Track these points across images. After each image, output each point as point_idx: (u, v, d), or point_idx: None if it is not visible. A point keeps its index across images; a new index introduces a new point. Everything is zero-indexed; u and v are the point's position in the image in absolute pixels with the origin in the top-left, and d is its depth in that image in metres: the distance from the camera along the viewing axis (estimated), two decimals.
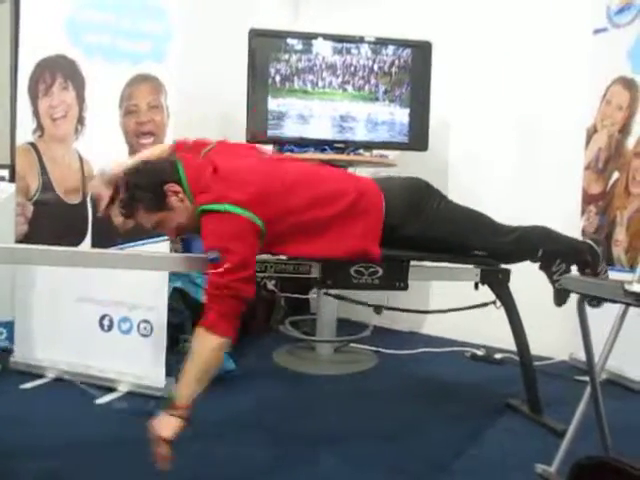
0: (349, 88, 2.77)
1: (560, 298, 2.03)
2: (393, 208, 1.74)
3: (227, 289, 1.45)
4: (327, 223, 1.66)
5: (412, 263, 1.89)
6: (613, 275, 2.44)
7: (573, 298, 1.79)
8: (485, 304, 2.06)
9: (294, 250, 1.67)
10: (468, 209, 1.91)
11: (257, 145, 2.02)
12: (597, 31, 2.66)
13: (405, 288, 1.84)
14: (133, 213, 1.62)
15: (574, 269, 2.06)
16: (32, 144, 2.33)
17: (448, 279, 2.12)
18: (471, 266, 1.97)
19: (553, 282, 2.01)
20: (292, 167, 1.76)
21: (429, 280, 3.05)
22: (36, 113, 2.32)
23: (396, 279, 1.82)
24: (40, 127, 2.32)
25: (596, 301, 1.85)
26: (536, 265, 2.03)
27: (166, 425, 1.40)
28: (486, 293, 2.03)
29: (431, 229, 1.79)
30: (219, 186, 1.56)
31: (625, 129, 2.55)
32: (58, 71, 2.28)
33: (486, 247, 1.87)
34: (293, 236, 1.64)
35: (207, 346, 1.44)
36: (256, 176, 1.63)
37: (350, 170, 2.79)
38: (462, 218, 1.88)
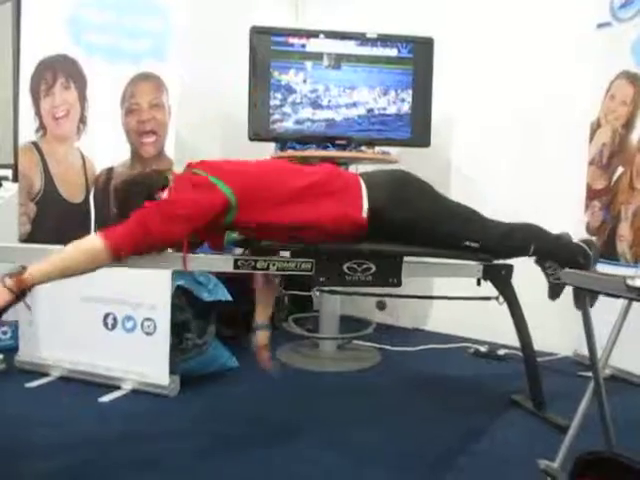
0: (351, 85, 2.77)
1: (554, 292, 2.03)
2: (376, 195, 1.71)
3: (144, 214, 1.50)
4: (304, 193, 1.66)
5: (414, 259, 1.89)
6: (617, 270, 2.43)
7: (567, 292, 1.80)
8: (488, 298, 2.06)
9: (273, 216, 1.64)
10: (455, 201, 1.89)
11: None
12: (601, 25, 2.64)
13: (398, 284, 1.82)
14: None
15: None
16: (34, 144, 2.33)
17: (450, 275, 2.12)
18: (473, 262, 1.96)
19: (547, 276, 2.01)
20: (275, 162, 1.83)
21: (431, 276, 3.05)
22: (38, 113, 2.32)
23: (389, 275, 1.81)
24: (42, 127, 2.33)
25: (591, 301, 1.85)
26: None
27: None
28: (489, 289, 2.03)
29: (419, 218, 1.76)
30: (199, 164, 1.65)
31: (629, 124, 2.54)
32: (60, 70, 2.29)
33: (476, 238, 1.83)
34: (272, 205, 1.63)
35: (88, 241, 1.45)
36: (234, 164, 1.71)
37: (352, 167, 2.79)
38: (450, 209, 1.86)
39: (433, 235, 1.81)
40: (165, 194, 1.63)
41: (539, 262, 2.01)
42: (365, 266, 1.77)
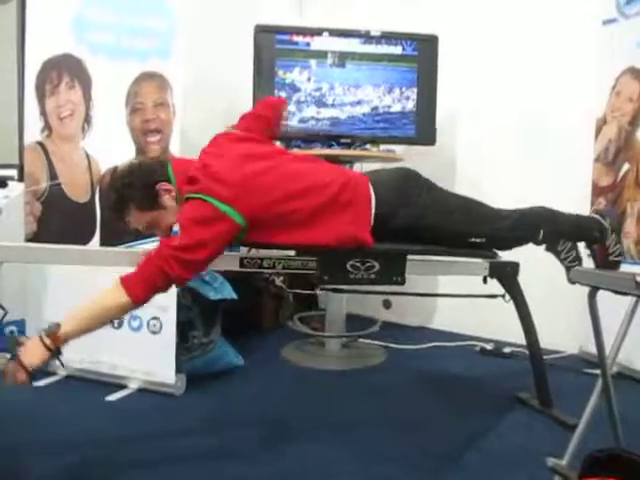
0: (356, 83, 2.76)
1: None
2: (383, 198, 1.71)
3: (162, 260, 1.47)
4: (312, 214, 1.64)
5: (419, 258, 1.88)
6: (624, 267, 2.42)
7: (582, 292, 1.80)
8: (494, 295, 2.05)
9: (280, 238, 1.64)
10: (460, 196, 1.88)
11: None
12: (606, 22, 2.63)
13: (402, 283, 1.81)
14: (124, 214, 1.63)
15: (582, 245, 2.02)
16: (40, 143, 2.34)
17: (457, 273, 2.11)
18: (480, 260, 1.95)
19: (562, 260, 1.96)
20: (281, 162, 1.73)
21: (437, 274, 3.04)
22: (43, 112, 2.32)
23: (393, 273, 1.80)
24: (48, 126, 2.33)
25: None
26: (545, 258, 2.02)
27: (34, 352, 1.39)
28: (495, 287, 2.02)
29: (424, 217, 1.75)
30: (206, 180, 1.57)
31: (635, 120, 2.53)
32: (64, 70, 2.29)
33: (482, 233, 1.82)
34: (278, 227, 1.63)
35: (113, 298, 1.46)
36: (240, 173, 1.61)
37: (357, 165, 2.79)
38: (454, 204, 1.84)
39: (438, 233, 1.80)
40: (171, 189, 1.60)
41: (550, 248, 1.97)
42: (369, 264, 1.76)
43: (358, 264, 1.76)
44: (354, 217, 1.69)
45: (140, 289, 1.47)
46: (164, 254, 1.48)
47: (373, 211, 1.70)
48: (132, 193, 1.60)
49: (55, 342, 1.41)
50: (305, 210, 1.64)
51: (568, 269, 1.95)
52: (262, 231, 1.61)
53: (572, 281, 1.91)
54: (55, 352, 1.42)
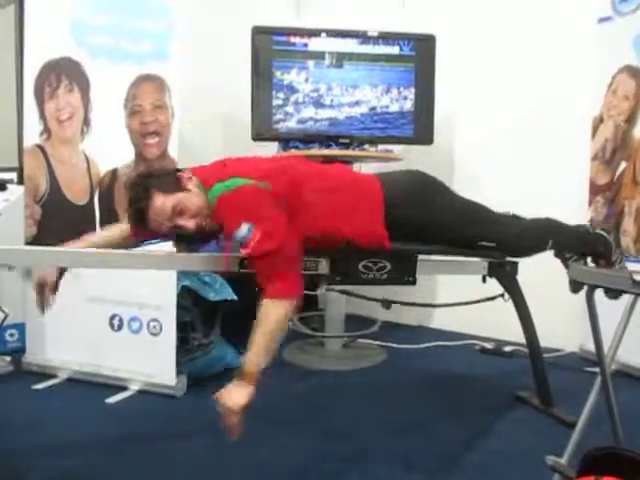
0: (354, 83, 2.77)
1: (575, 285, 1.98)
2: (395, 200, 1.73)
3: (273, 255, 1.45)
4: (333, 211, 1.66)
5: (420, 257, 1.89)
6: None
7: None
8: (493, 297, 2.06)
9: (312, 228, 1.62)
10: (471, 200, 1.89)
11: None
12: (602, 20, 2.63)
13: (413, 283, 1.83)
14: (147, 204, 1.55)
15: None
16: (39, 146, 2.35)
17: (456, 272, 2.12)
18: (479, 259, 1.96)
19: (568, 267, 1.96)
20: (298, 162, 1.79)
21: (436, 274, 3.05)
22: (42, 115, 2.33)
23: (405, 274, 1.81)
24: (47, 129, 2.34)
25: (613, 294, 1.83)
26: (544, 258, 2.02)
27: (237, 395, 1.40)
28: (494, 286, 2.03)
29: (436, 220, 1.78)
30: (230, 170, 1.59)
31: (631, 118, 2.53)
32: (63, 73, 2.30)
33: (492, 238, 1.85)
34: (307, 218, 1.61)
35: (272, 315, 1.44)
36: (267, 164, 1.67)
37: (356, 165, 2.79)
38: (466, 208, 1.86)
39: (448, 238, 1.82)
40: (192, 177, 1.60)
41: (559, 255, 1.99)
42: (381, 264, 1.77)
43: (370, 264, 1.76)
44: (366, 213, 1.70)
45: (285, 286, 1.46)
46: (266, 250, 1.45)
47: (384, 211, 1.71)
48: (154, 180, 1.58)
49: (252, 377, 1.42)
50: (326, 209, 1.65)
51: (572, 279, 1.95)
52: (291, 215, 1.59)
53: (575, 291, 1.94)
54: (255, 384, 1.43)
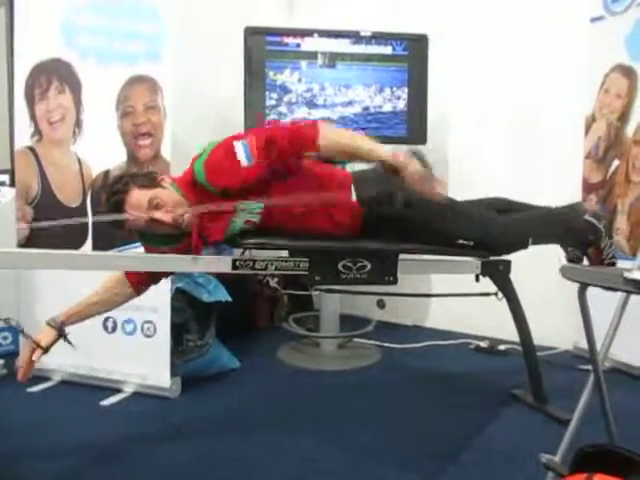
0: (347, 83, 2.77)
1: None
2: (365, 189, 1.73)
3: (278, 136, 1.55)
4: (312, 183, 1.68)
5: (411, 257, 1.89)
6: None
7: (573, 288, 1.81)
8: (487, 294, 2.06)
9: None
10: (449, 197, 1.83)
11: None
12: (594, 19, 2.64)
13: (394, 282, 1.80)
14: (124, 197, 1.57)
15: None
16: (31, 148, 2.34)
17: (448, 272, 2.11)
18: (472, 258, 1.96)
19: (567, 253, 1.96)
20: None
21: (429, 273, 3.05)
22: (33, 117, 2.32)
23: (385, 273, 1.79)
24: (38, 131, 2.33)
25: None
26: (539, 255, 2.01)
27: (411, 163, 1.55)
28: (488, 285, 2.03)
29: (409, 212, 1.73)
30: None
31: (624, 117, 2.54)
32: (54, 74, 2.29)
33: (471, 236, 1.80)
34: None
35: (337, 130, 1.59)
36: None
37: (349, 166, 2.79)
38: (443, 205, 1.77)
39: (424, 232, 1.78)
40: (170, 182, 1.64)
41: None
42: (360, 264, 1.76)
43: (350, 264, 1.75)
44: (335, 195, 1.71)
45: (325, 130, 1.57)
46: (272, 134, 1.56)
47: (355, 197, 1.72)
48: (133, 177, 1.63)
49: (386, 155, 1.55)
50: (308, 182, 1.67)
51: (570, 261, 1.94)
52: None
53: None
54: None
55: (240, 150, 1.54)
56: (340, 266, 1.74)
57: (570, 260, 1.94)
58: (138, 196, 1.57)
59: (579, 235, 1.94)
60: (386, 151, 1.56)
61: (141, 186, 1.59)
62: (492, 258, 1.97)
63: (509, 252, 1.94)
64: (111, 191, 1.61)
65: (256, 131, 1.63)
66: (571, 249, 1.94)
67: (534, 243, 1.89)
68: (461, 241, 1.80)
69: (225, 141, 1.60)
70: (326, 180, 1.72)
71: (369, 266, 1.76)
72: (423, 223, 1.76)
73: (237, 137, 1.59)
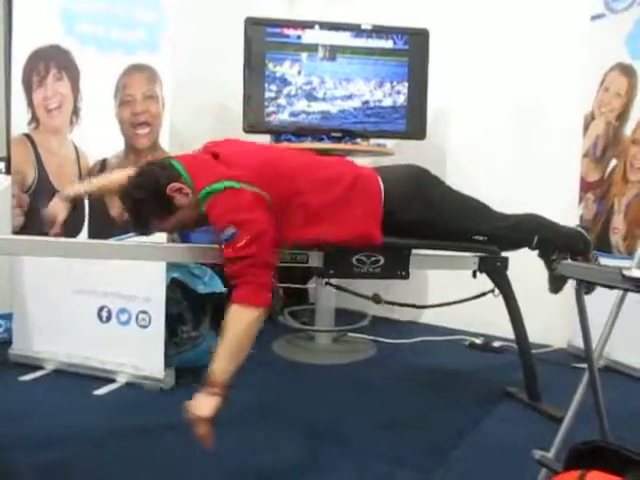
0: (347, 77, 2.76)
1: (556, 285, 2.04)
2: (392, 194, 1.74)
3: (249, 260, 1.43)
4: (328, 207, 1.65)
5: (416, 252, 1.89)
6: (611, 262, 2.45)
7: (568, 286, 1.82)
8: (484, 294, 2.07)
9: (300, 234, 1.63)
10: (466, 195, 1.92)
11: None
12: (595, 17, 2.64)
13: (406, 277, 1.84)
14: (149, 226, 1.61)
15: None
16: (27, 135, 2.32)
17: (446, 267, 2.12)
18: (469, 254, 1.97)
19: (551, 269, 2.02)
20: (291, 154, 1.76)
21: (427, 269, 3.05)
22: (31, 104, 2.30)
23: (398, 268, 1.82)
24: (35, 118, 2.31)
25: (587, 289, 1.86)
26: (534, 253, 2.04)
27: (204, 404, 1.38)
28: (484, 281, 2.03)
29: (431, 214, 1.80)
30: (221, 168, 1.55)
31: (623, 116, 2.55)
32: (52, 61, 2.27)
33: (485, 232, 1.88)
34: (297, 220, 1.61)
35: (240, 321, 1.43)
36: (257, 159, 1.62)
37: (348, 159, 2.78)
38: (462, 203, 1.89)
39: (444, 231, 1.84)
40: (181, 187, 1.55)
41: (542, 255, 2.03)
42: (374, 258, 1.78)
43: (364, 258, 1.77)
44: (365, 213, 1.70)
45: (257, 295, 1.44)
46: (245, 256, 1.44)
47: (382, 206, 1.71)
48: (148, 208, 1.57)
49: (217, 387, 1.40)
50: (322, 205, 1.64)
51: (553, 278, 2.03)
52: (279, 222, 1.57)
53: (555, 290, 2.02)
54: (223, 393, 1.41)
55: (227, 232, 1.47)
56: (354, 260, 1.75)
57: (555, 274, 2.02)
58: (162, 225, 1.62)
59: (572, 243, 2.04)
60: (217, 378, 1.42)
61: (159, 217, 1.58)
62: (490, 255, 1.98)
63: (514, 249, 2.01)
64: (130, 221, 1.63)
65: (247, 236, 1.46)
66: (557, 263, 2.00)
67: (537, 243, 1.96)
68: (476, 237, 1.87)
69: (231, 203, 1.51)
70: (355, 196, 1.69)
71: (382, 260, 1.78)
72: (443, 224, 1.82)
73: (235, 219, 1.47)
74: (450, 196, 1.88)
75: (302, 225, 1.63)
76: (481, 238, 1.87)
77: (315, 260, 1.75)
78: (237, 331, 1.42)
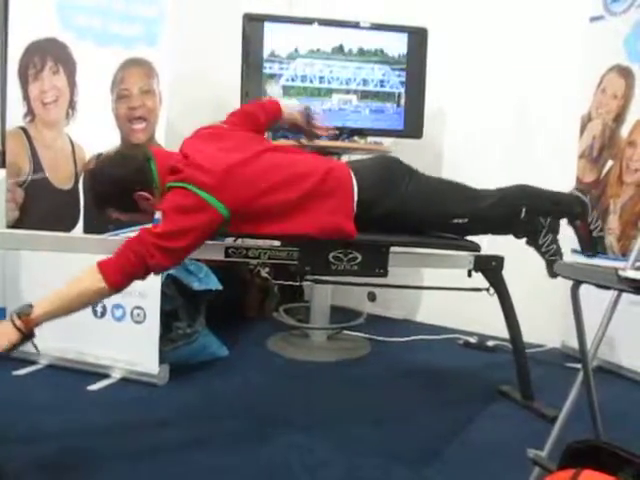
0: (344, 75, 2.75)
1: (553, 269, 1.98)
2: (364, 186, 1.71)
3: (142, 247, 1.46)
4: (294, 204, 1.63)
5: (404, 250, 1.89)
6: (606, 263, 2.45)
7: (564, 287, 1.81)
8: (478, 289, 2.06)
9: (266, 229, 1.64)
10: (441, 178, 1.88)
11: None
12: (593, 19, 2.64)
13: (385, 275, 1.80)
14: (106, 213, 1.66)
15: (564, 224, 2.02)
16: (23, 129, 2.30)
17: (441, 266, 2.12)
18: (465, 253, 1.96)
19: (543, 254, 1.95)
20: (263, 153, 1.71)
21: (421, 267, 3.06)
22: (26, 97, 2.28)
23: (375, 265, 1.79)
24: (31, 112, 2.29)
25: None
26: (529, 252, 2.03)
27: (5, 333, 1.38)
28: (479, 281, 2.04)
29: (406, 203, 1.75)
30: (189, 169, 1.56)
31: (620, 118, 2.55)
32: (48, 55, 2.25)
33: (465, 212, 1.81)
34: (264, 217, 1.62)
35: (90, 283, 1.44)
36: (223, 165, 1.59)
37: (344, 157, 2.78)
38: (436, 186, 1.84)
39: (421, 218, 1.79)
40: (148, 198, 1.58)
41: (532, 243, 1.96)
42: (351, 255, 1.75)
43: (340, 255, 1.75)
44: (336, 206, 1.67)
45: (118, 276, 1.45)
46: (145, 241, 1.46)
47: (355, 199, 1.69)
48: (110, 201, 1.62)
49: (27, 324, 1.39)
50: (287, 201, 1.62)
51: (549, 263, 1.95)
52: (245, 222, 1.61)
53: (553, 275, 1.92)
54: (27, 335, 1.40)
55: (157, 216, 1.55)
56: (331, 257, 1.74)
57: (548, 257, 1.94)
58: (116, 215, 1.67)
59: (566, 207, 1.98)
60: (32, 315, 1.40)
61: (119, 209, 1.64)
62: (485, 254, 1.98)
63: (504, 226, 1.93)
64: (92, 199, 1.66)
65: (161, 229, 1.50)
66: (546, 247, 1.93)
67: (526, 214, 1.88)
68: (456, 220, 1.80)
69: (174, 201, 1.54)
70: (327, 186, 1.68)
71: (360, 258, 1.76)
72: (419, 212, 1.78)
73: (167, 214, 1.52)
74: (423, 182, 1.82)
75: (271, 221, 1.63)
76: (461, 221, 1.80)
77: (292, 257, 1.73)
78: (78, 289, 1.44)
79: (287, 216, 1.63)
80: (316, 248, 1.72)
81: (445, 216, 1.81)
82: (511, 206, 1.89)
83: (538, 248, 1.95)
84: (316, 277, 2.30)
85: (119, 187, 1.58)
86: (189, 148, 1.66)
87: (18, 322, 1.38)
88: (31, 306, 1.41)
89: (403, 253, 1.88)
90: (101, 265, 1.45)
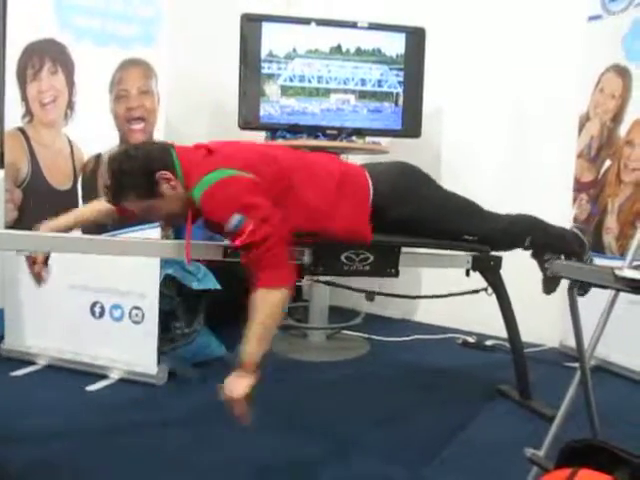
0: (342, 75, 2.76)
1: (549, 286, 2.04)
2: (380, 191, 1.72)
3: (262, 244, 1.42)
4: (322, 202, 1.63)
5: (404, 250, 1.89)
6: (604, 262, 2.46)
7: (562, 287, 1.82)
8: (477, 291, 2.07)
9: (299, 226, 1.60)
10: (457, 194, 1.90)
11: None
12: (591, 18, 2.65)
13: (396, 275, 1.83)
14: (121, 199, 1.56)
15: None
16: (21, 129, 2.30)
17: (440, 266, 2.13)
18: (463, 253, 1.97)
19: (544, 270, 2.02)
20: (283, 151, 1.73)
21: (420, 267, 3.06)
22: (25, 98, 2.28)
23: (387, 265, 1.81)
24: (29, 112, 2.29)
25: (582, 290, 1.87)
26: (527, 252, 2.04)
27: (237, 385, 1.42)
28: (477, 280, 2.04)
29: (421, 212, 1.78)
30: (216, 159, 1.53)
31: (617, 117, 2.55)
32: (47, 55, 2.25)
33: (476, 232, 1.86)
34: (294, 213, 1.58)
35: (265, 304, 1.43)
36: (255, 152, 1.61)
37: (343, 157, 2.78)
38: (451, 202, 1.87)
39: (433, 229, 1.82)
40: (171, 178, 1.51)
41: (536, 255, 2.03)
42: (363, 256, 1.76)
43: (353, 255, 1.76)
44: (353, 209, 1.68)
45: (278, 274, 1.44)
46: (260, 240, 1.42)
47: (371, 203, 1.70)
48: (131, 180, 1.52)
49: (250, 367, 1.44)
50: (315, 198, 1.62)
51: (546, 280, 2.04)
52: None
53: (548, 292, 2.02)
54: (254, 373, 1.44)
55: (234, 221, 1.44)
56: (343, 257, 1.74)
57: (548, 275, 2.02)
58: (132, 204, 1.56)
59: (567, 244, 2.04)
60: (248, 359, 1.45)
61: (137, 195, 1.53)
62: (483, 254, 1.98)
63: (506, 249, 1.99)
64: (108, 189, 1.57)
65: (256, 221, 1.43)
66: (549, 263, 1.98)
67: (530, 243, 1.95)
68: (466, 236, 1.86)
69: (231, 190, 1.48)
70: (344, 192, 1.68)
71: (372, 258, 1.77)
72: (432, 222, 1.81)
73: (239, 206, 1.44)
74: (439, 194, 1.86)
75: (300, 219, 1.61)
76: (471, 238, 1.86)
77: (305, 258, 1.73)
78: (264, 315, 1.44)
79: (315, 215, 1.62)
80: (328, 248, 1.73)
81: (458, 231, 1.86)
82: (518, 234, 1.95)
83: (541, 263, 2.02)
84: (314, 277, 2.31)
85: (143, 164, 1.52)
86: (211, 145, 1.63)
87: (243, 371, 1.44)
88: (240, 360, 1.44)
89: (404, 253, 1.88)
90: (260, 285, 1.43)
